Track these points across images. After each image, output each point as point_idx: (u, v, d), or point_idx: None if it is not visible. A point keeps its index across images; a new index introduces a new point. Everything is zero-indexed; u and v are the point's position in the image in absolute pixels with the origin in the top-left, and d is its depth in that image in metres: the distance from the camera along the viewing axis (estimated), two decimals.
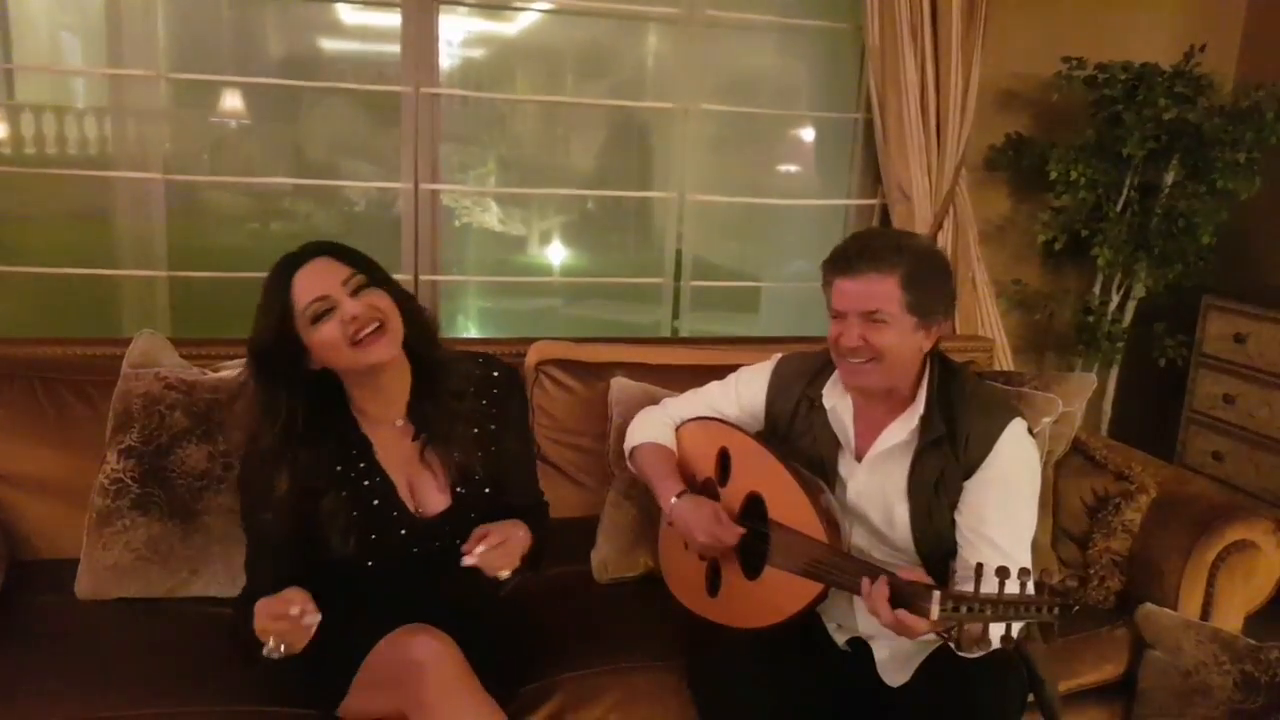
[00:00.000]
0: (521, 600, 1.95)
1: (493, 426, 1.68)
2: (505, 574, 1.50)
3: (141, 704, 1.59)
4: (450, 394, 1.62)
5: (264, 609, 1.37)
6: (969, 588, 1.32)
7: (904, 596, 1.38)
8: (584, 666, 1.77)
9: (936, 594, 1.32)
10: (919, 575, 1.43)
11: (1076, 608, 1.29)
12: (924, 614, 1.33)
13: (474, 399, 1.66)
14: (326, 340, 1.48)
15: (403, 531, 1.60)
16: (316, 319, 1.47)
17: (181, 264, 2.72)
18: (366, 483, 1.59)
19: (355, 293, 1.49)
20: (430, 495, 1.63)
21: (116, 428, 1.95)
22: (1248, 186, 2.95)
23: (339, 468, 1.58)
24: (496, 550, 1.49)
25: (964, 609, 1.30)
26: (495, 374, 1.72)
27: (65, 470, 2.01)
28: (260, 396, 1.52)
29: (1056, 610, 1.29)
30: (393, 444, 1.62)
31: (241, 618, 1.47)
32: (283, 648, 1.35)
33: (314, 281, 1.48)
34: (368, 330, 1.48)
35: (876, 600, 1.40)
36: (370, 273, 1.53)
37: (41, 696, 1.58)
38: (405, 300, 1.57)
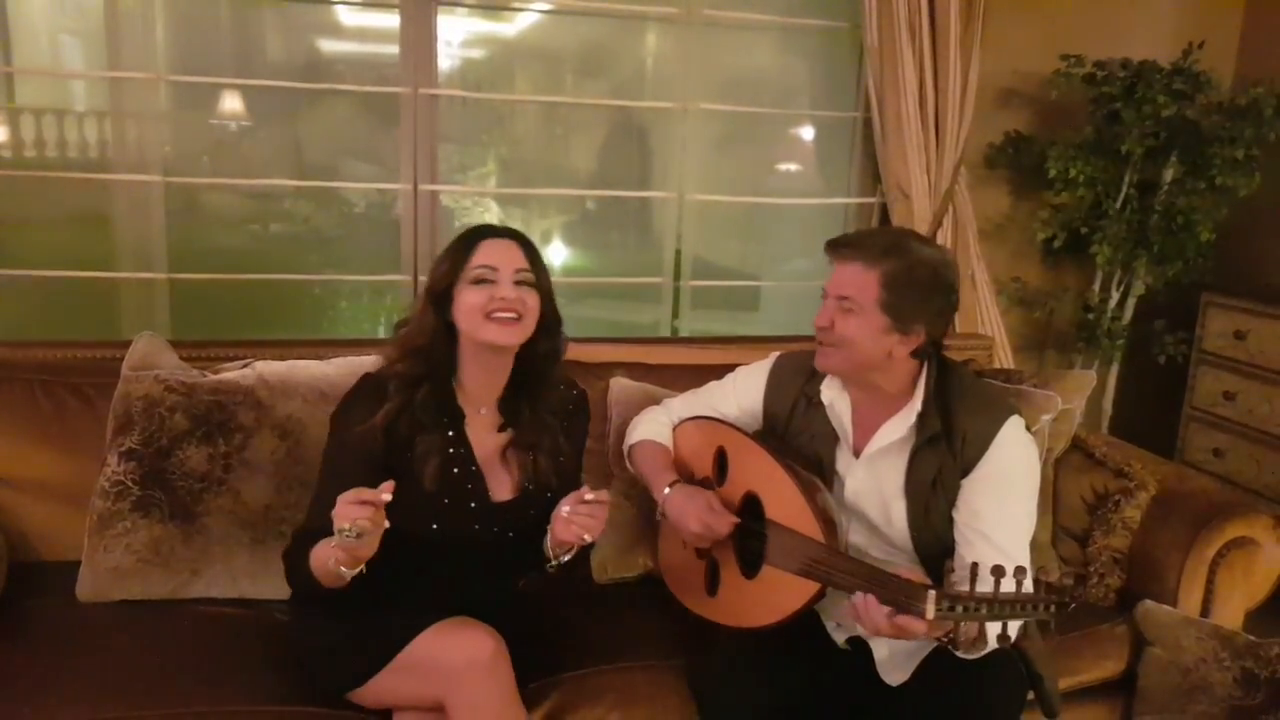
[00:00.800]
0: (520, 600, 1.97)
1: (563, 439, 1.76)
2: (589, 538, 1.56)
3: (143, 705, 1.60)
4: (549, 410, 1.74)
5: (350, 497, 1.41)
6: (965, 587, 1.32)
7: (898, 600, 1.38)
8: (584, 665, 1.78)
9: (932, 593, 1.32)
10: (917, 575, 1.43)
11: (1073, 605, 1.29)
12: (920, 615, 1.33)
13: (557, 410, 1.76)
14: (471, 302, 1.61)
15: (472, 505, 1.65)
16: (476, 281, 1.60)
17: (181, 266, 2.73)
18: (452, 450, 1.65)
19: (517, 283, 1.62)
20: (501, 482, 1.70)
21: (117, 430, 1.96)
22: (1247, 183, 2.95)
23: (427, 418, 1.64)
24: (594, 515, 1.55)
25: (960, 608, 1.30)
26: (575, 392, 1.83)
27: (66, 473, 2.02)
28: (411, 328, 1.66)
29: (1053, 608, 1.29)
30: (480, 426, 1.70)
31: (299, 553, 1.54)
32: (359, 534, 1.40)
33: (492, 252, 1.63)
34: (505, 313, 1.60)
35: (871, 613, 1.41)
36: (538, 275, 1.67)
37: (43, 698, 1.59)
38: (552, 314, 1.70)
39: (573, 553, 1.64)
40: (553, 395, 1.75)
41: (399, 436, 1.61)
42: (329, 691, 1.61)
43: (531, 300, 1.64)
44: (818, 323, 1.65)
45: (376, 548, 1.45)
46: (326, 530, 1.45)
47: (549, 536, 1.64)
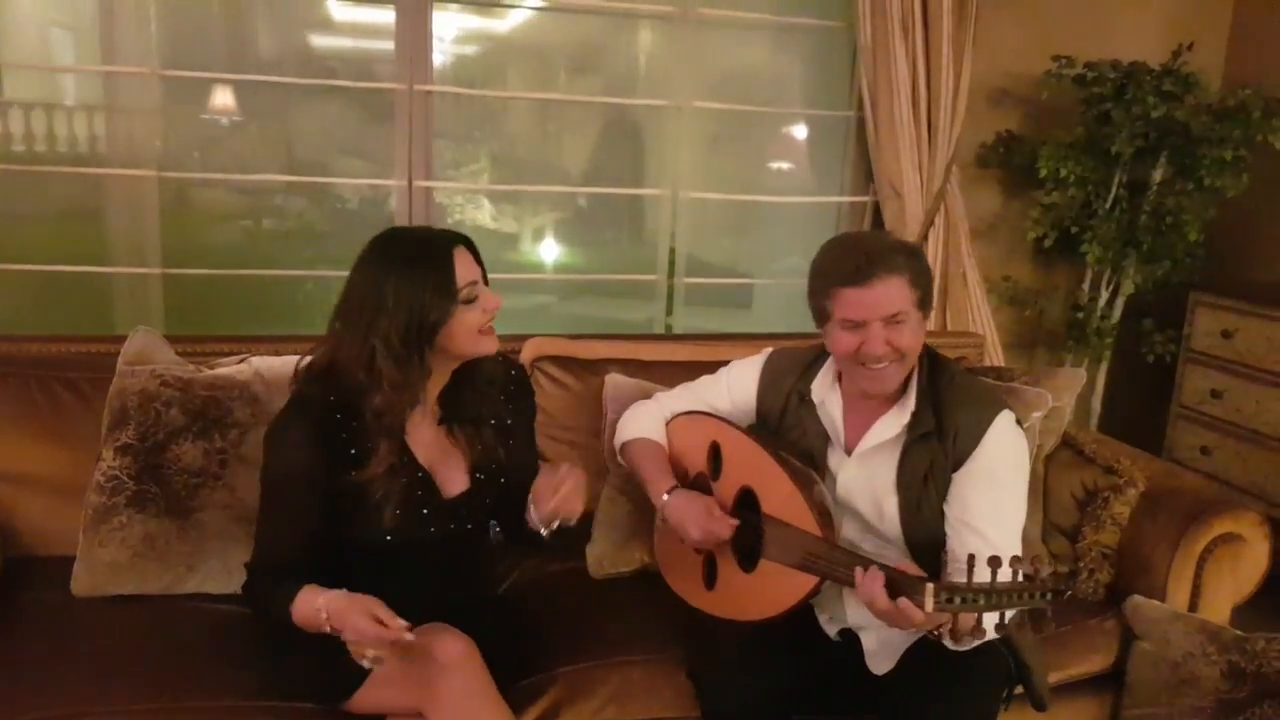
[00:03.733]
0: (516, 595, 1.98)
1: (509, 421, 1.75)
2: (577, 513, 1.57)
3: (138, 700, 1.60)
4: (486, 381, 1.70)
5: (360, 627, 1.41)
6: (961, 579, 1.33)
7: (899, 587, 1.40)
8: (580, 660, 1.78)
9: (930, 585, 1.33)
10: (912, 568, 1.45)
11: (1068, 593, 1.31)
12: (919, 605, 1.35)
13: (497, 393, 1.73)
14: (470, 322, 1.57)
15: (425, 510, 1.63)
16: (468, 300, 1.56)
17: (175, 261, 2.73)
18: (394, 461, 1.62)
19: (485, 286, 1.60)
20: (451, 477, 1.68)
21: (112, 425, 1.95)
22: (1235, 184, 2.98)
23: (369, 444, 1.60)
24: (571, 493, 1.56)
25: (958, 599, 1.32)
26: (513, 373, 1.81)
27: (61, 467, 2.01)
28: (399, 372, 1.53)
29: (1049, 596, 1.31)
30: (422, 426, 1.67)
31: (269, 593, 1.53)
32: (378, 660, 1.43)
33: (468, 266, 1.58)
34: (491, 323, 1.61)
35: (872, 588, 1.42)
36: (483, 271, 1.63)
37: (38, 693, 1.59)
38: None
39: (559, 522, 1.63)
40: (493, 370, 1.71)
41: (343, 460, 1.57)
42: (323, 704, 1.61)
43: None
44: (871, 350, 1.57)
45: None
46: (290, 566, 1.50)
47: (531, 512, 1.64)
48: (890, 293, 1.57)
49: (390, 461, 1.58)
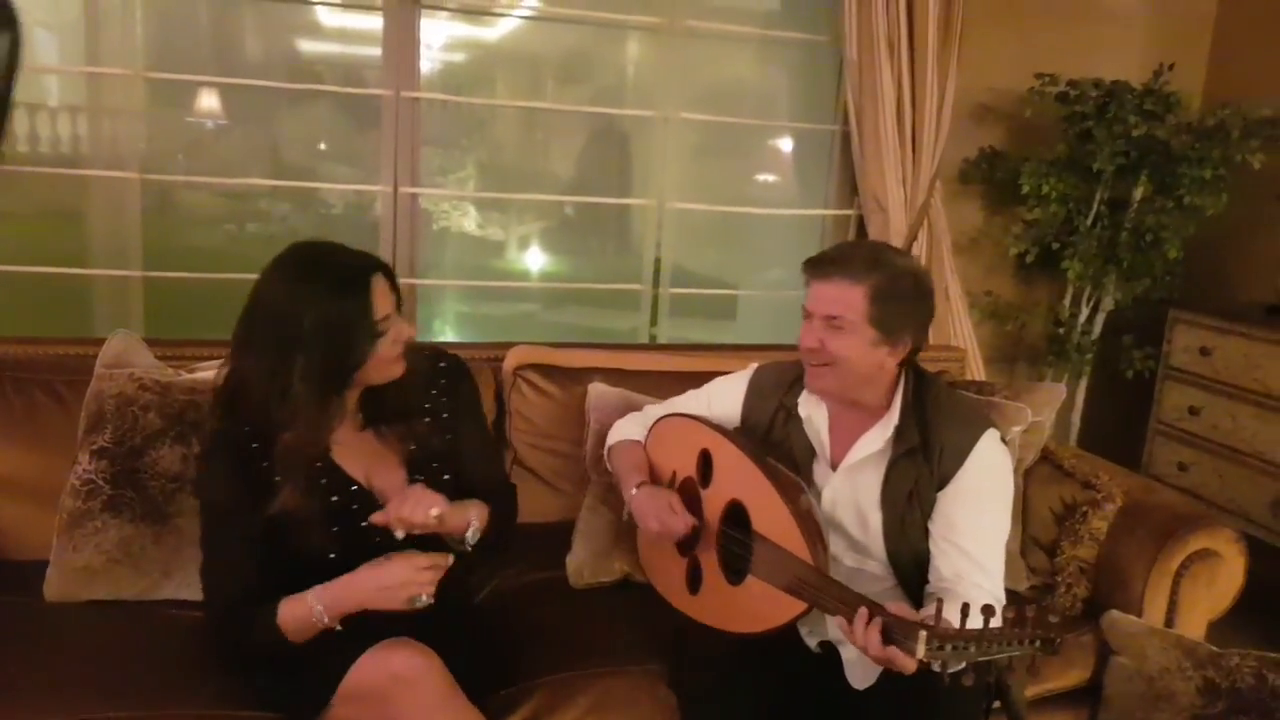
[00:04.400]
0: (495, 605, 1.97)
1: (445, 415, 1.71)
2: (436, 511, 1.51)
3: (111, 707, 1.58)
4: (409, 384, 1.64)
5: (422, 562, 1.47)
6: (952, 616, 1.31)
7: (891, 634, 1.38)
8: (560, 670, 1.77)
9: (923, 633, 1.31)
10: (905, 611, 1.42)
11: (1059, 642, 1.31)
12: (910, 653, 1.33)
13: (424, 388, 1.69)
14: (383, 355, 1.53)
15: (364, 523, 1.59)
16: (383, 334, 1.52)
17: (156, 264, 2.71)
18: (324, 480, 1.60)
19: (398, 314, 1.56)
20: (387, 484, 1.64)
21: (89, 428, 1.94)
22: (1214, 202, 3.01)
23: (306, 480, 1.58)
24: (406, 504, 1.51)
25: (949, 647, 1.30)
26: (442, 364, 1.75)
27: (36, 471, 1.99)
28: (329, 411, 1.53)
29: (1039, 644, 1.30)
30: (349, 439, 1.64)
31: (248, 628, 1.52)
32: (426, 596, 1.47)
33: (383, 296, 1.52)
34: (403, 348, 1.57)
35: (867, 636, 1.40)
36: (396, 287, 1.58)
37: (8, 699, 1.56)
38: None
39: (476, 534, 1.60)
40: (414, 363, 1.64)
41: (268, 489, 1.55)
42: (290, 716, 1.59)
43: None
44: (805, 344, 1.62)
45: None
46: (254, 593, 1.49)
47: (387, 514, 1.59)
48: (834, 293, 1.59)
49: (305, 489, 1.55)
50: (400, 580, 1.49)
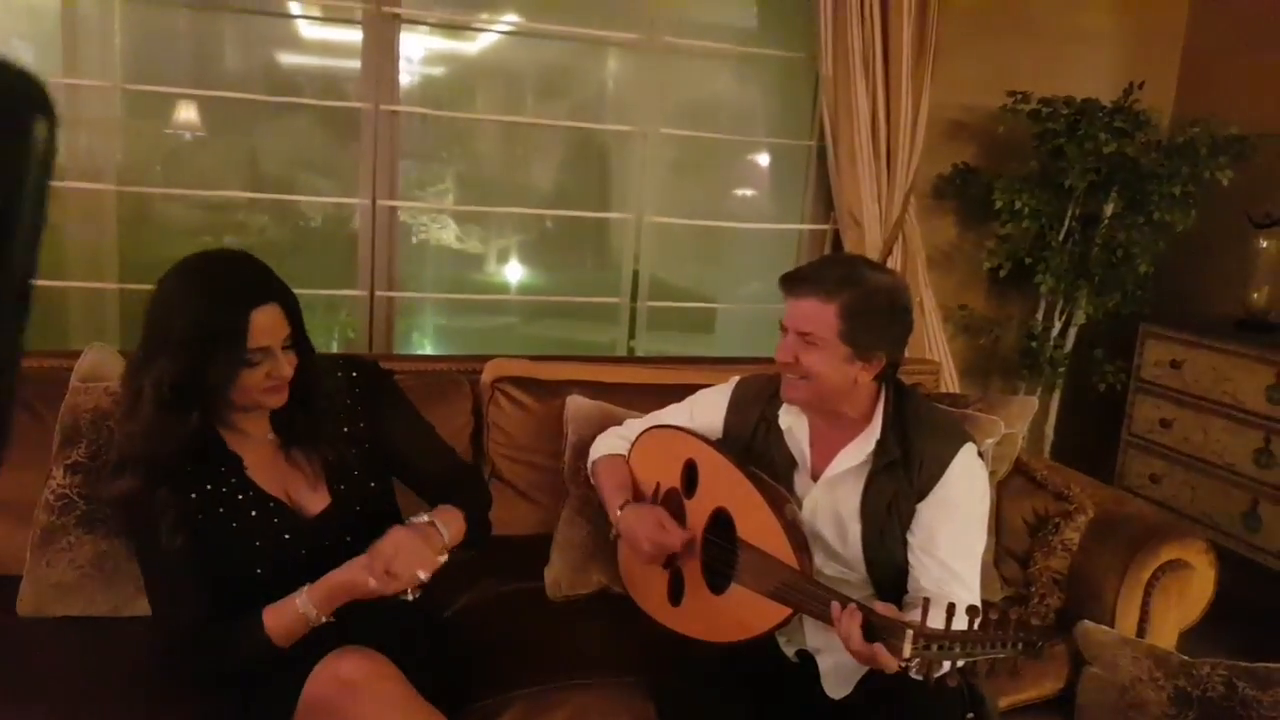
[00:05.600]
0: (472, 617, 1.96)
1: (362, 424, 1.67)
2: (424, 576, 1.48)
3: None
4: (322, 399, 1.61)
5: (391, 567, 1.46)
6: (933, 619, 1.34)
7: (876, 631, 1.40)
8: (537, 683, 1.77)
9: (909, 632, 1.33)
10: (892, 611, 1.44)
11: (1041, 644, 1.34)
12: (896, 652, 1.35)
13: (339, 401, 1.66)
14: (249, 383, 1.48)
15: (286, 536, 1.57)
16: (255, 365, 1.47)
17: (132, 276, 2.69)
18: (240, 497, 1.57)
19: (284, 349, 1.50)
20: (307, 497, 1.62)
21: (63, 442, 1.92)
22: (1184, 219, 3.06)
23: (209, 487, 1.55)
24: (397, 561, 1.47)
25: (935, 647, 1.32)
26: (355, 374, 1.71)
27: (9, 486, 1.96)
28: (169, 423, 1.45)
29: (1021, 646, 1.33)
30: (262, 456, 1.61)
31: (219, 637, 1.50)
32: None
33: (266, 329, 1.46)
34: (277, 382, 1.51)
35: (849, 627, 1.42)
36: (297, 325, 1.53)
37: None
38: (308, 347, 1.57)
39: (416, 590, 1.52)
40: (325, 385, 1.62)
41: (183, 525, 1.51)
42: None
43: (294, 360, 1.52)
44: (780, 359, 1.65)
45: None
46: (215, 612, 1.48)
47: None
48: (807, 310, 1.61)
49: (210, 507, 1.53)
50: (390, 580, 1.47)
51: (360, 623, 1.53)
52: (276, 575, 1.54)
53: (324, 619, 1.50)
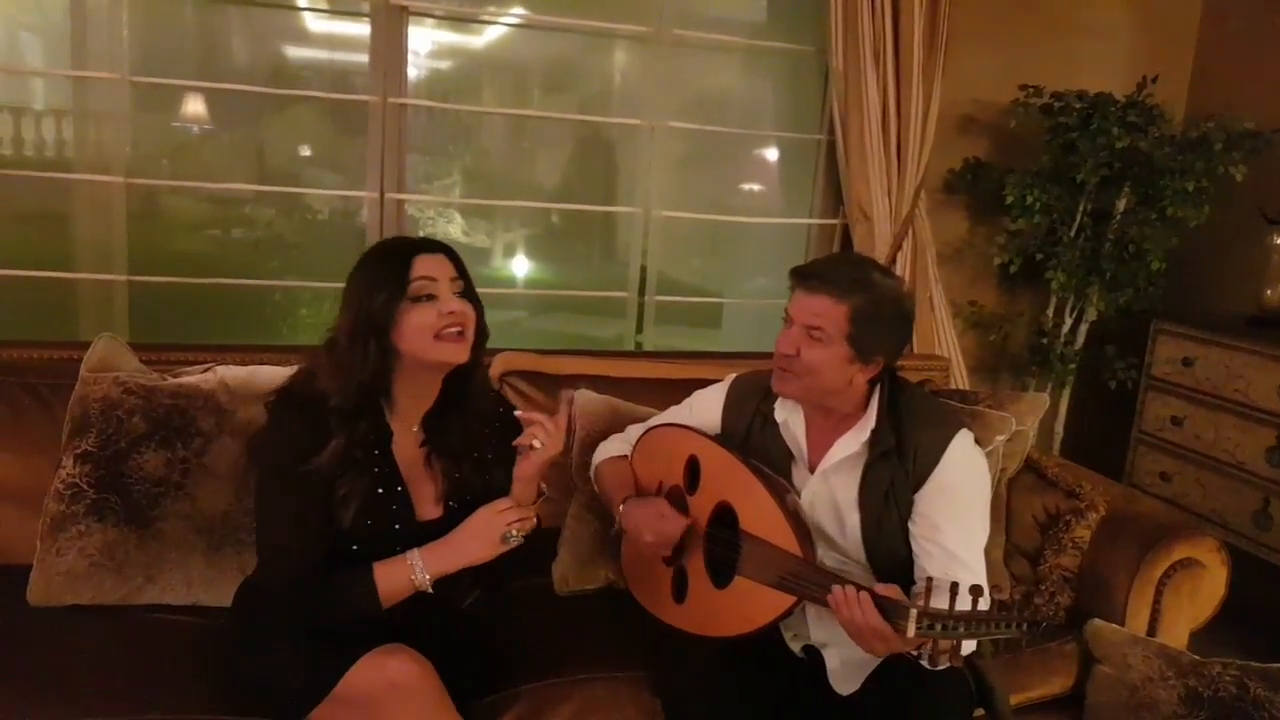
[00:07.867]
0: (480, 612, 1.96)
1: (490, 455, 1.70)
2: (538, 443, 1.58)
3: (94, 713, 1.57)
4: (475, 414, 1.68)
5: (489, 509, 1.57)
6: (940, 602, 1.34)
7: (881, 611, 1.41)
8: (543, 677, 1.77)
9: (913, 611, 1.34)
10: (895, 593, 1.45)
11: (1044, 624, 1.34)
12: (901, 631, 1.36)
13: (487, 422, 1.72)
14: (420, 323, 1.54)
15: (397, 526, 1.60)
16: (418, 299, 1.54)
17: (141, 268, 2.70)
18: (378, 469, 1.60)
19: (455, 294, 1.58)
20: (425, 501, 1.66)
21: (73, 432, 1.92)
22: (1197, 215, 3.04)
23: (359, 452, 1.58)
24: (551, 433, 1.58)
25: (938, 626, 1.33)
26: (502, 409, 1.77)
27: (19, 474, 1.98)
28: (346, 358, 1.54)
29: (1025, 626, 1.33)
30: (408, 444, 1.66)
31: (317, 591, 1.52)
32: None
33: (430, 266, 1.56)
34: (453, 329, 1.56)
35: (851, 607, 1.42)
36: (468, 282, 1.62)
37: None
38: (480, 318, 1.63)
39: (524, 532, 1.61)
40: (482, 403, 1.71)
41: (329, 466, 1.54)
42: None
43: (471, 311, 1.59)
44: (782, 349, 1.65)
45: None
46: (339, 560, 1.51)
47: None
48: (818, 306, 1.61)
49: (368, 487, 1.56)
50: (486, 521, 1.57)
51: (402, 615, 1.56)
52: (364, 557, 1.56)
53: (427, 588, 1.53)
